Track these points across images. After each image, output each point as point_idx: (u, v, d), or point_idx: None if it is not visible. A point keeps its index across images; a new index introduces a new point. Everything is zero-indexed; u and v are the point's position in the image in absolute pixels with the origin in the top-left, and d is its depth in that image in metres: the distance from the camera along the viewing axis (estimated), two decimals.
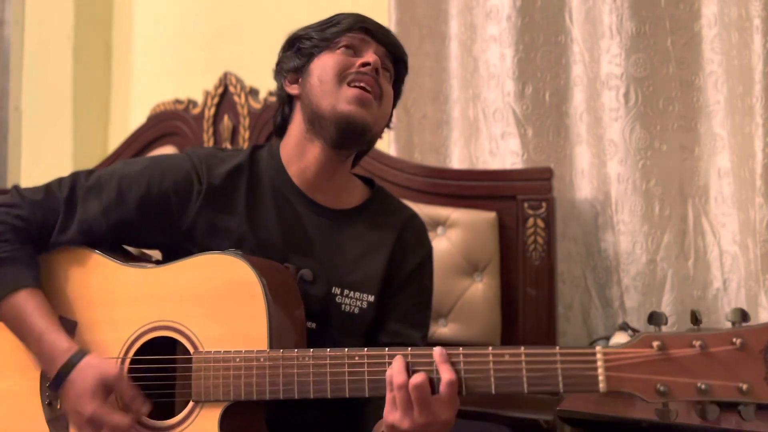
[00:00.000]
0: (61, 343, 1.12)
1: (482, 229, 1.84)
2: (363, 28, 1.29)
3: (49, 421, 1.17)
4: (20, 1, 2.74)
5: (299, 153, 1.29)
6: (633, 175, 1.86)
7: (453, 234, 1.86)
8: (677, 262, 1.84)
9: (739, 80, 1.72)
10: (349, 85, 1.24)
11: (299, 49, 1.31)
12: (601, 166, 1.92)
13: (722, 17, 1.78)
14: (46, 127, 2.71)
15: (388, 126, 1.36)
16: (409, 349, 1.01)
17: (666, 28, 1.85)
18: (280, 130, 1.36)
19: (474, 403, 1.67)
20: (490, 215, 1.85)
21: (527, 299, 1.82)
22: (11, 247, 1.17)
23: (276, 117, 1.37)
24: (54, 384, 1.11)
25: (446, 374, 0.96)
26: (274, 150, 1.33)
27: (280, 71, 1.35)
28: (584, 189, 1.97)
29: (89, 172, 1.26)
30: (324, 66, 1.26)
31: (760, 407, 0.88)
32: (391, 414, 0.98)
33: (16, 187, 1.25)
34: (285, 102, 1.34)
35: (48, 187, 1.24)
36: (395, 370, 0.98)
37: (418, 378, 0.96)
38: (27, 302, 1.14)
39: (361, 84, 1.23)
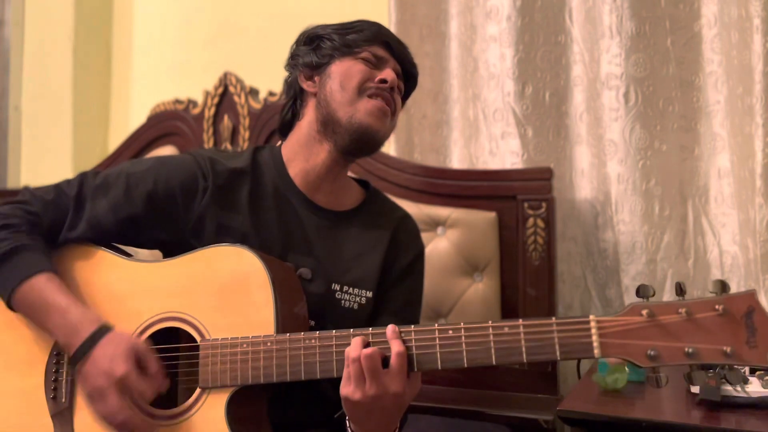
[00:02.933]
0: (87, 315, 1.14)
1: (482, 229, 1.85)
2: (384, 42, 1.34)
3: (54, 416, 1.18)
4: (20, 1, 2.74)
5: (306, 152, 1.33)
6: (633, 175, 1.86)
7: (453, 234, 1.86)
8: (677, 262, 1.84)
9: (739, 80, 1.72)
10: (369, 97, 1.29)
11: (318, 47, 1.34)
12: (601, 166, 1.92)
13: (722, 17, 1.78)
14: (46, 127, 2.71)
15: None
16: (412, 327, 1.06)
17: (666, 28, 1.85)
18: (288, 126, 1.38)
19: (474, 403, 1.67)
20: (490, 215, 1.85)
21: (527, 299, 1.82)
22: (28, 236, 1.20)
23: (285, 111, 1.39)
24: (82, 348, 1.11)
25: (395, 347, 1.03)
26: (275, 151, 1.36)
27: (295, 65, 1.38)
28: (584, 189, 1.97)
29: (96, 172, 1.30)
30: (347, 73, 1.30)
31: (757, 406, 0.89)
32: (345, 387, 1.04)
33: (28, 188, 1.29)
34: (297, 96, 1.37)
35: (58, 187, 1.27)
36: (352, 346, 1.04)
37: (368, 349, 1.03)
38: (48, 283, 1.17)
39: (379, 99, 1.29)
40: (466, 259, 1.85)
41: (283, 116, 1.39)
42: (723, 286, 0.97)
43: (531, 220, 1.82)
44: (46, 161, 2.68)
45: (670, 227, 1.85)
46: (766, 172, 1.65)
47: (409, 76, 1.39)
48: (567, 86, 1.99)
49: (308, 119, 1.34)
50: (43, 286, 1.16)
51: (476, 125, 2.06)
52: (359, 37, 1.33)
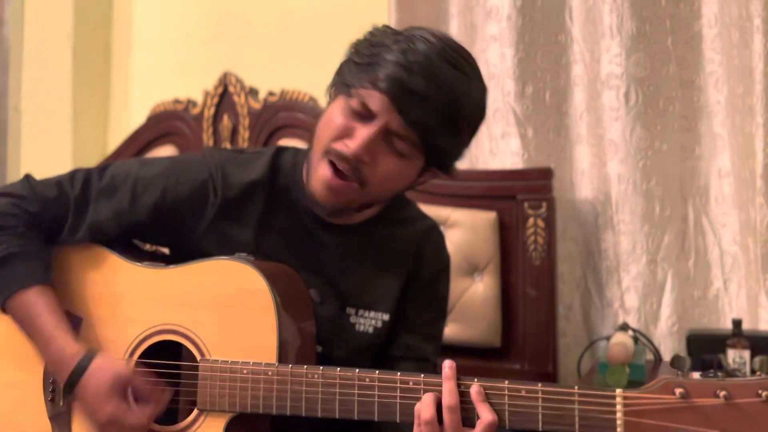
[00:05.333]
0: (70, 347, 1.10)
1: (482, 229, 1.84)
2: (389, 92, 1.05)
3: (52, 418, 1.16)
4: (20, 0, 2.74)
5: None
6: (633, 175, 1.86)
7: (453, 234, 1.86)
8: (678, 262, 1.84)
9: (740, 80, 1.72)
10: (329, 161, 1.09)
11: (341, 68, 1.14)
12: (601, 166, 1.91)
13: (723, 17, 1.78)
14: (45, 127, 2.71)
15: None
16: (422, 376, 1.00)
17: (666, 28, 1.85)
18: None
19: None
20: (490, 215, 1.85)
21: (527, 299, 1.81)
22: (22, 241, 1.15)
23: None
24: (66, 389, 1.09)
25: (488, 415, 0.95)
26: (299, 159, 1.23)
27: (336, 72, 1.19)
28: (584, 189, 1.96)
29: (102, 169, 1.22)
30: (326, 121, 1.11)
31: None
32: None
33: (28, 178, 1.23)
34: None
35: (60, 184, 1.21)
36: (423, 404, 0.97)
37: (451, 400, 0.95)
38: (36, 301, 1.13)
39: (332, 167, 1.09)
40: (467, 259, 1.84)
41: None
42: None
43: (531, 220, 1.82)
44: (46, 161, 2.67)
45: (670, 227, 1.85)
46: (767, 172, 1.65)
47: (424, 142, 1.08)
48: (567, 86, 1.99)
49: None
50: (31, 304, 1.12)
51: None
52: (365, 75, 1.07)
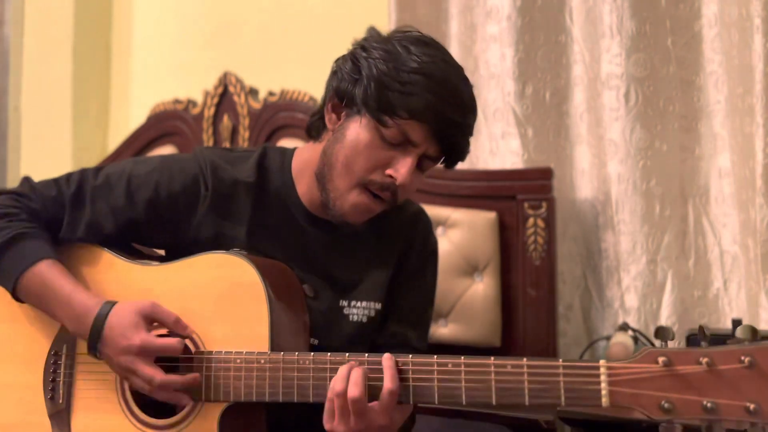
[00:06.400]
0: (89, 300, 1.14)
1: (482, 229, 1.84)
2: (431, 123, 1.11)
3: (51, 416, 1.17)
4: (20, 0, 2.74)
5: (311, 179, 1.23)
6: (633, 175, 1.86)
7: (453, 234, 1.86)
8: (677, 263, 1.84)
9: (740, 80, 1.72)
10: (364, 188, 1.14)
11: (355, 82, 1.14)
12: (601, 166, 1.91)
13: (722, 17, 1.78)
14: (45, 127, 2.71)
15: None
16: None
17: (666, 28, 1.85)
18: (315, 129, 1.26)
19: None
20: (490, 215, 1.85)
21: (527, 299, 1.81)
22: (30, 225, 1.19)
23: (315, 118, 1.26)
24: (93, 336, 1.11)
25: (388, 383, 0.99)
26: (286, 159, 1.28)
27: (329, 83, 1.21)
28: (584, 189, 1.96)
29: (97, 170, 1.26)
30: (356, 149, 1.13)
31: None
32: (328, 422, 1.02)
33: (28, 179, 1.26)
34: (323, 115, 1.23)
35: (58, 183, 1.24)
36: (338, 377, 1.01)
37: (355, 391, 0.98)
38: (50, 270, 1.16)
39: (371, 195, 1.15)
40: (467, 259, 1.84)
41: (311, 119, 1.27)
42: (753, 332, 0.86)
43: (531, 220, 1.82)
44: (46, 161, 2.68)
45: (670, 227, 1.85)
46: (767, 172, 1.64)
47: (449, 158, 1.18)
48: (567, 86, 1.99)
49: (319, 151, 1.21)
50: (45, 273, 1.15)
51: (476, 125, 2.05)
52: (399, 103, 1.09)
